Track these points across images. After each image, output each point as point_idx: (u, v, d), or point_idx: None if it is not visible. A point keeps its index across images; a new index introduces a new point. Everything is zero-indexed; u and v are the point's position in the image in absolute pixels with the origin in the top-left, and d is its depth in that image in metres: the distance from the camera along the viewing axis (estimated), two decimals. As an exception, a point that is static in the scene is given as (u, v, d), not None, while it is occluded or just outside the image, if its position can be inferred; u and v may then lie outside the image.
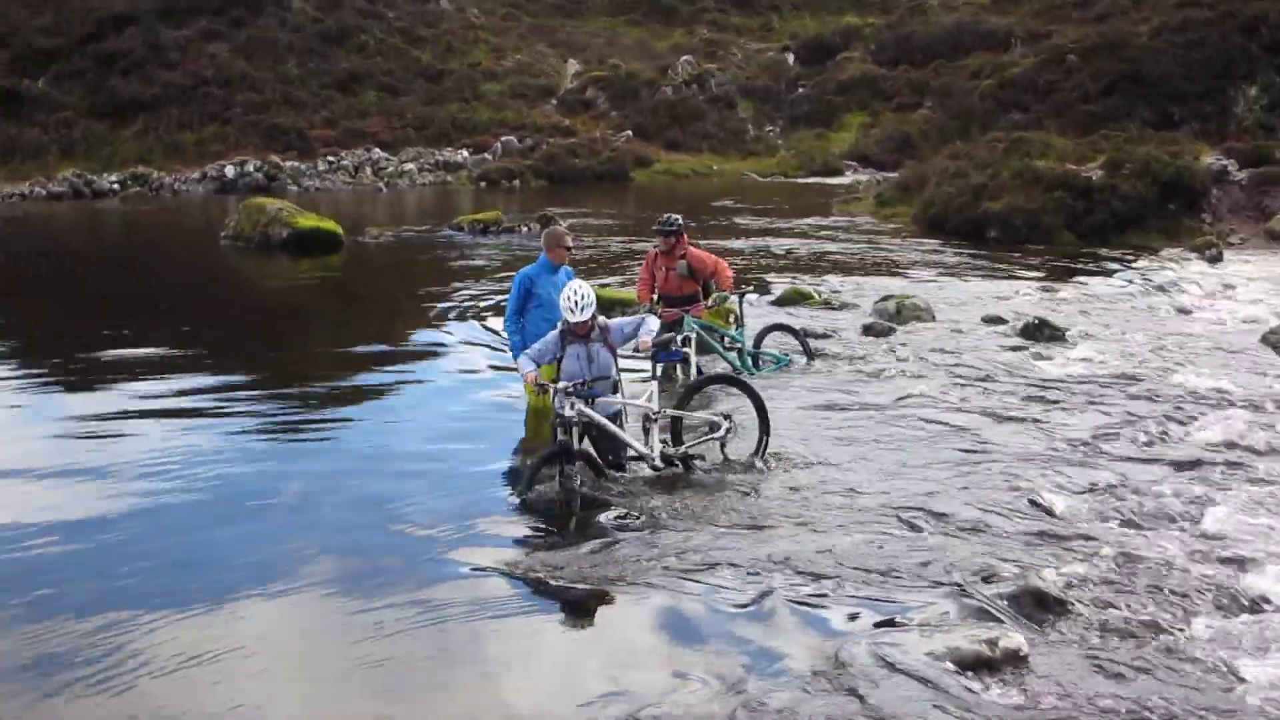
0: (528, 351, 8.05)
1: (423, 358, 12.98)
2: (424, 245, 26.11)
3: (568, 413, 7.43)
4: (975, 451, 8.68)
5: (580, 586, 6.17)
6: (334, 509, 7.42)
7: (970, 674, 5.10)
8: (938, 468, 8.25)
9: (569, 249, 9.36)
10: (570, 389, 7.53)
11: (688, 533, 6.91)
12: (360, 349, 13.73)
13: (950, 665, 5.13)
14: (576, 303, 7.68)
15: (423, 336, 14.42)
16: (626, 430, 7.91)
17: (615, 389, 7.92)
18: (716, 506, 7.40)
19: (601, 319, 7.98)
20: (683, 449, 8.03)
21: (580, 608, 6.02)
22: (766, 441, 8.29)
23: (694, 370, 11.10)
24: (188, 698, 5.03)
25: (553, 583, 6.21)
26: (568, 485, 7.24)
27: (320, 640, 5.63)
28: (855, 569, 6.30)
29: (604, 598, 6.07)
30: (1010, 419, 9.67)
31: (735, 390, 8.82)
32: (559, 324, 8.01)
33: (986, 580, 6.09)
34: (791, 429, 9.35)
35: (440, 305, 16.77)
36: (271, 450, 8.93)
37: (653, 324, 8.04)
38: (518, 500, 7.28)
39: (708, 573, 6.31)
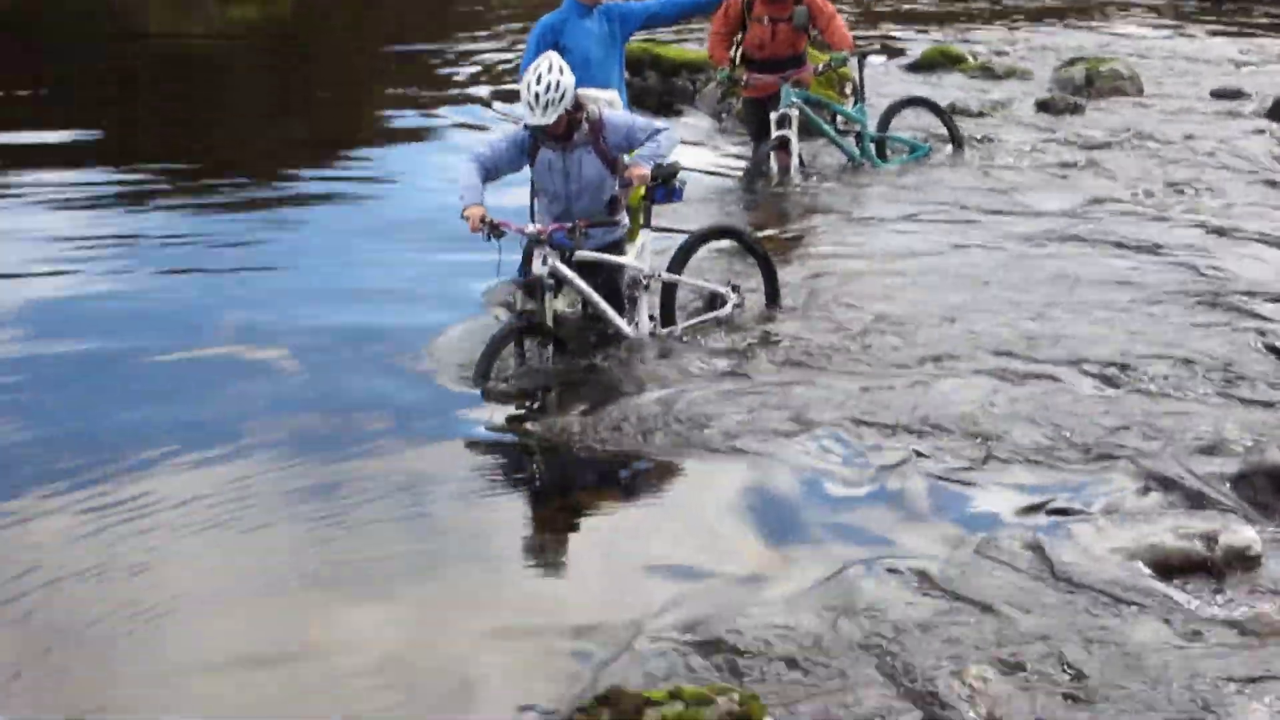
0: (476, 157, 7.40)
1: (406, 144, 13.03)
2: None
3: (537, 269, 7.08)
4: (1192, 281, 8.63)
5: (621, 454, 6.30)
6: (284, 348, 7.60)
7: (1177, 580, 5.10)
8: (1136, 301, 8.23)
9: None
10: (542, 234, 7.05)
11: (771, 382, 7.01)
12: (316, 139, 13.76)
13: (1147, 568, 5.15)
14: (538, 94, 6.97)
15: (407, 120, 14.47)
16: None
17: (614, 207, 7.43)
18: (806, 344, 7.58)
19: (596, 109, 7.39)
20: (678, 329, 7.78)
21: (625, 483, 6.16)
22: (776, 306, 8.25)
23: (795, 162, 11.04)
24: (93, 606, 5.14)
25: (583, 451, 6.34)
26: (537, 369, 7.19)
27: (272, 526, 5.77)
28: (1015, 435, 6.33)
29: (658, 471, 6.21)
30: (1245, 237, 9.62)
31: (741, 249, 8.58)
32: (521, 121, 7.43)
33: (1203, 454, 6.09)
34: (926, 246, 9.31)
35: (436, 74, 16.63)
36: (195, 276, 9.06)
37: (665, 141, 7.41)
38: (476, 389, 7.06)
39: (804, 435, 6.39)
